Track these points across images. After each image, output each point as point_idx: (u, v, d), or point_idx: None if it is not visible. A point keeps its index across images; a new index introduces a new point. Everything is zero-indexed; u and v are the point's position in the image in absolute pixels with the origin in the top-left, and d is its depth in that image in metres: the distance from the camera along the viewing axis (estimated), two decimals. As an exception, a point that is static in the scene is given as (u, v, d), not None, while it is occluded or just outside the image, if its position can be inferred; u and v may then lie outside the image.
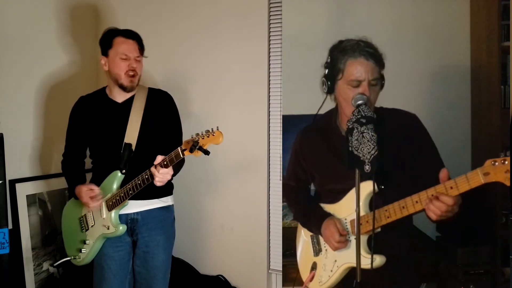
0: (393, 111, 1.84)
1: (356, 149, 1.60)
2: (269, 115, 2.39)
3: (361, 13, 1.99)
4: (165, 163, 1.65)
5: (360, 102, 1.63)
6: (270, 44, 2.36)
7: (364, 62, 1.80)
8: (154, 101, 1.90)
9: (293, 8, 2.11)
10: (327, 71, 1.88)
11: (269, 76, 2.38)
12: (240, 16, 2.40)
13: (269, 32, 2.36)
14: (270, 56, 2.37)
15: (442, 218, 1.65)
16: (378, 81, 1.80)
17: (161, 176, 1.67)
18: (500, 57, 1.78)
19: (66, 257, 1.98)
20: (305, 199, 2.05)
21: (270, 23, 2.36)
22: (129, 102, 1.88)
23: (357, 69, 1.81)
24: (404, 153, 1.81)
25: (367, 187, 1.76)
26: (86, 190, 1.81)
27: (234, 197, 2.47)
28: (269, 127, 2.40)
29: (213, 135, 1.55)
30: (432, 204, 1.64)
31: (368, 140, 1.58)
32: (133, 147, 1.81)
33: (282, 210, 2.19)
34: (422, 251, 1.88)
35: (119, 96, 1.88)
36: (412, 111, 1.88)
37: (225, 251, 2.52)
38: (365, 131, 1.58)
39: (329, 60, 1.88)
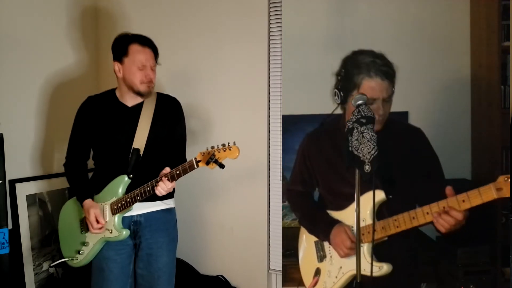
0: (399, 123, 1.88)
1: (356, 149, 1.60)
2: (269, 115, 2.39)
3: (360, 13, 1.99)
4: (177, 172, 1.67)
5: (360, 102, 1.62)
6: (270, 44, 2.36)
7: (379, 82, 1.85)
8: (163, 107, 1.90)
9: (293, 8, 2.11)
10: (340, 82, 1.91)
11: (269, 76, 2.38)
12: (240, 16, 2.40)
13: (269, 32, 2.36)
14: (270, 56, 2.37)
15: (450, 230, 1.68)
16: (392, 97, 1.86)
17: (170, 187, 1.70)
18: (500, 57, 1.78)
19: (61, 258, 1.97)
20: (311, 204, 2.06)
21: (270, 23, 2.36)
22: (139, 107, 1.86)
23: (373, 88, 1.85)
24: (408, 165, 1.84)
25: (375, 196, 1.77)
26: (95, 216, 1.78)
27: (234, 197, 2.47)
28: (269, 127, 2.40)
29: (230, 149, 1.59)
30: (441, 217, 1.66)
31: (368, 140, 1.57)
32: (141, 153, 1.81)
33: (282, 210, 2.19)
34: (422, 251, 1.89)
35: (130, 100, 1.87)
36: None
37: (225, 251, 2.52)
38: (365, 131, 1.57)
39: (343, 72, 1.91)
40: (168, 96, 1.98)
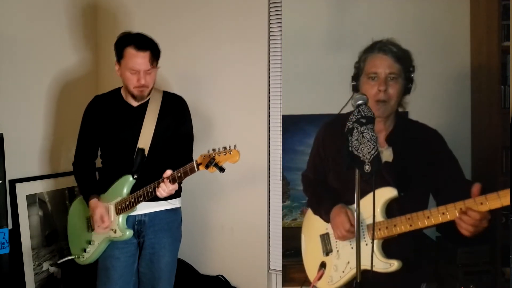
0: (415, 124, 1.90)
1: (356, 149, 1.60)
2: (269, 115, 2.39)
3: (361, 13, 1.99)
4: (179, 175, 1.65)
5: (360, 102, 1.62)
6: (270, 44, 2.36)
7: (382, 57, 1.88)
8: (168, 106, 1.89)
9: (293, 8, 2.11)
10: (354, 71, 1.95)
11: (269, 76, 2.38)
12: (240, 16, 2.40)
13: (269, 32, 2.36)
14: (270, 56, 2.37)
15: (474, 233, 1.70)
16: (397, 77, 1.87)
17: (171, 189, 1.68)
18: (500, 57, 1.79)
19: (68, 256, 1.98)
20: (320, 186, 2.06)
21: (270, 23, 2.36)
22: (143, 107, 1.86)
23: (374, 63, 1.89)
24: (424, 165, 1.86)
25: (386, 193, 1.81)
26: (100, 215, 1.78)
27: (234, 197, 2.47)
28: (269, 127, 2.40)
29: (230, 153, 1.57)
30: (461, 219, 1.68)
31: (368, 140, 1.57)
32: (146, 153, 1.81)
33: (282, 210, 2.19)
34: (422, 251, 1.89)
35: (134, 100, 1.86)
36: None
37: (225, 251, 2.52)
38: (365, 131, 1.57)
39: (357, 60, 1.95)
40: (174, 95, 1.96)
